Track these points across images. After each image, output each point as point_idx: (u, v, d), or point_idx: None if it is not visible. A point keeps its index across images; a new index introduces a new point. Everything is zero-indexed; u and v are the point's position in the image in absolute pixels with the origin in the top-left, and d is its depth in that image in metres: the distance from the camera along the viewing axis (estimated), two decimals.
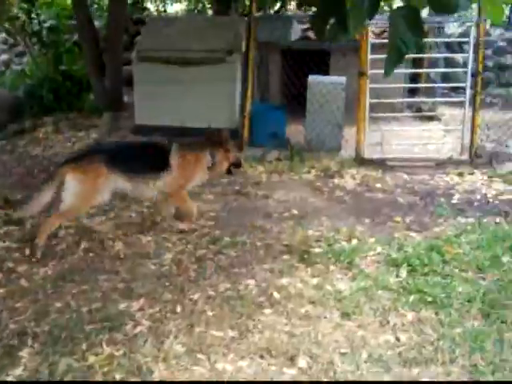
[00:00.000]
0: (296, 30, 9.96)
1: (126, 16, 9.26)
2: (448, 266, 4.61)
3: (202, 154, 5.40)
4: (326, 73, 9.13)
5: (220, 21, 8.38)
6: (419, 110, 9.91)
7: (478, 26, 7.21)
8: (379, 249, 4.95)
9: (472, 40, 7.26)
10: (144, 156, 5.29)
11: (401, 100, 8.58)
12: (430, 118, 9.58)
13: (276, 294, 4.22)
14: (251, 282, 4.46)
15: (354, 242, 5.12)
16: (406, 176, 7.11)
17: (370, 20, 3.12)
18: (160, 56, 8.11)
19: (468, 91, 7.41)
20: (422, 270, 4.54)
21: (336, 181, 6.94)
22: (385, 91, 8.25)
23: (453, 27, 10.47)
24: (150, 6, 14.59)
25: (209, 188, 6.63)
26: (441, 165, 7.40)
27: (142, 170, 5.17)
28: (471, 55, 7.31)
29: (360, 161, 7.46)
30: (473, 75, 7.37)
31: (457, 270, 4.56)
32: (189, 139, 5.65)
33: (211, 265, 4.78)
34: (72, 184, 4.85)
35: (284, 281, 4.44)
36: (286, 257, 4.86)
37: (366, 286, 4.33)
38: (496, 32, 11.62)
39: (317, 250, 4.95)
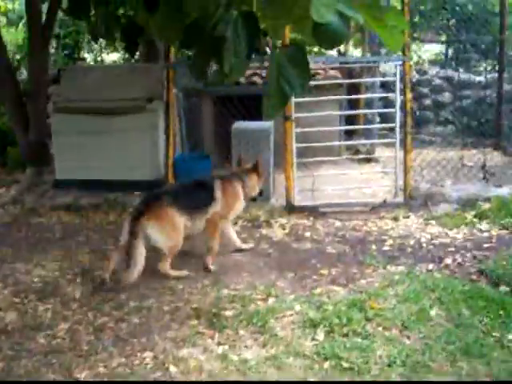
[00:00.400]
0: None
1: (46, 67, 8.79)
2: (370, 324, 4.19)
3: (240, 184, 5.84)
4: (258, 118, 8.75)
5: (140, 68, 8.00)
6: (357, 152, 9.62)
7: (403, 64, 6.94)
8: (297, 307, 4.50)
9: (399, 79, 6.98)
10: (196, 193, 5.59)
11: (331, 144, 8.21)
12: (368, 160, 9.27)
13: (173, 368, 3.74)
14: (149, 354, 3.96)
15: (271, 300, 4.67)
16: (338, 223, 6.72)
17: (249, 60, 2.76)
18: (77, 106, 7.67)
19: (398, 132, 7.10)
20: (341, 330, 4.10)
21: (264, 231, 6.50)
22: (320, 134, 7.94)
23: (388, 67, 10.27)
24: (88, 56, 14.19)
25: None
26: (376, 209, 7.03)
27: (198, 206, 5.50)
28: (398, 95, 7.03)
29: (290, 208, 7.05)
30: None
31: (380, 329, 4.14)
32: (229, 170, 6.30)
33: (110, 335, 4.29)
34: (158, 230, 5.14)
35: (185, 351, 3.95)
36: (193, 322, 4.38)
37: (276, 353, 3.86)
38: (433, 70, 11.53)
39: (228, 312, 4.48)
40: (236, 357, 3.83)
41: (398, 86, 7.01)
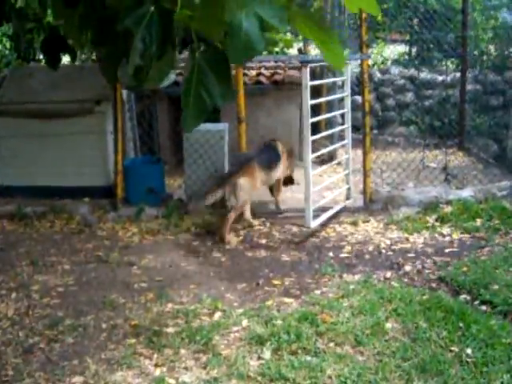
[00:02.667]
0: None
1: None
2: (321, 340, 3.90)
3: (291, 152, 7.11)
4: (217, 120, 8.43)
5: (89, 68, 7.59)
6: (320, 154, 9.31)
7: (362, 63, 6.68)
8: (245, 322, 4.20)
9: (349, 79, 6.72)
10: (268, 154, 6.63)
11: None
12: (331, 163, 8.97)
13: None
14: (79, 379, 3.63)
15: (218, 315, 4.35)
16: (295, 229, 6.42)
17: (158, 60, 2.41)
18: (21, 109, 7.25)
19: (349, 133, 6.83)
20: (289, 347, 3.80)
21: (217, 238, 6.17)
22: (277, 137, 7.66)
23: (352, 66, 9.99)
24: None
25: (68, 256, 5.79)
26: (335, 213, 6.74)
27: (270, 164, 6.54)
28: (349, 95, 6.76)
29: None
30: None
31: (331, 345, 3.85)
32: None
33: (39, 357, 3.92)
34: (243, 185, 6.13)
35: (119, 375, 3.62)
36: (131, 341, 4.04)
37: (218, 375, 3.56)
38: (396, 70, 11.32)
39: (170, 329, 4.15)
40: (173, 380, 3.51)
41: (349, 84, 6.74)
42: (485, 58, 10.93)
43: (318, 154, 6.71)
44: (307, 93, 5.92)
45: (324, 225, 6.48)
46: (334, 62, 2.39)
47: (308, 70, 5.91)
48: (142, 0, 2.39)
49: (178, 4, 2.39)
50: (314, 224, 6.15)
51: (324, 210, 6.77)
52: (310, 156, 6.09)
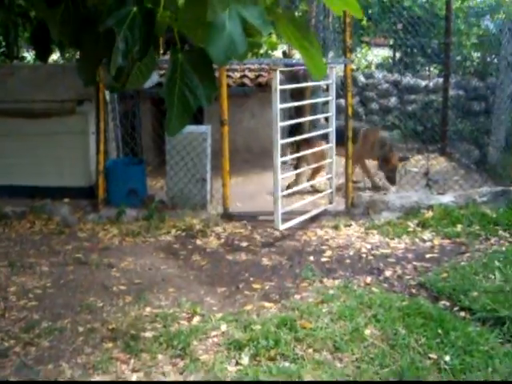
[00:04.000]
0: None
1: None
2: (300, 346, 3.88)
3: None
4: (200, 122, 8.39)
5: (71, 68, 7.51)
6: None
7: (345, 67, 6.69)
8: (224, 327, 4.17)
9: (334, 83, 6.71)
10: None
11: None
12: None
13: None
14: None
15: (196, 320, 4.32)
16: (276, 232, 6.40)
17: (140, 61, 2.37)
18: (2, 108, 7.17)
19: (334, 137, 6.83)
20: (268, 353, 3.78)
21: (198, 241, 6.14)
22: (262, 139, 7.66)
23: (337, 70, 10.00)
24: (28, 55, 13.50)
25: (47, 257, 5.74)
26: (317, 217, 6.74)
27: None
28: (334, 98, 6.76)
29: (227, 217, 6.71)
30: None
31: (310, 351, 3.83)
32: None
33: (15, 361, 3.87)
34: None
35: (94, 380, 3.55)
36: (108, 345, 3.99)
37: (195, 380, 3.51)
38: (380, 74, 11.36)
39: (148, 333, 4.11)
40: None
41: (334, 89, 6.73)
42: (467, 63, 11.00)
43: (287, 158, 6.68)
44: (277, 96, 5.91)
45: (306, 228, 6.46)
46: (315, 69, 2.37)
47: (278, 73, 5.89)
48: (125, 0, 2.36)
49: (160, 5, 2.36)
50: (284, 227, 6.13)
51: (303, 213, 6.78)
52: (279, 159, 6.05)
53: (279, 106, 5.94)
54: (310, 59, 2.33)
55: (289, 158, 7.11)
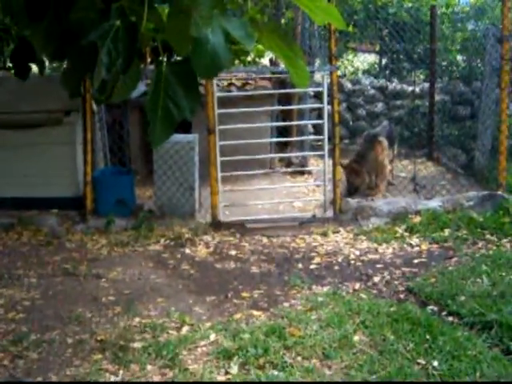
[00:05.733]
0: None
1: None
2: (289, 354, 3.88)
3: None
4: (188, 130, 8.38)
5: (57, 78, 7.49)
6: (290, 164, 9.37)
7: (331, 74, 6.72)
8: (213, 336, 4.16)
9: (326, 89, 6.75)
10: None
11: (260, 156, 7.88)
12: (302, 173, 9.03)
13: None
14: None
15: (185, 329, 4.31)
16: (265, 240, 6.41)
17: (123, 74, 2.37)
18: None
19: (326, 143, 6.87)
20: (257, 361, 3.78)
21: (187, 250, 6.14)
22: (250, 146, 7.66)
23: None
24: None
25: (35, 268, 5.72)
26: (305, 224, 6.76)
27: None
28: (326, 105, 6.79)
29: (216, 225, 6.72)
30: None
31: (299, 358, 3.83)
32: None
33: (3, 375, 3.84)
34: None
35: None
36: (97, 356, 3.98)
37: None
38: (366, 80, 11.41)
39: (137, 344, 4.10)
40: None
41: (326, 96, 6.77)
42: (453, 68, 11.08)
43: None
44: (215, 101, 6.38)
45: (294, 235, 6.48)
46: (298, 79, 2.39)
47: (214, 82, 6.41)
48: (108, 14, 2.37)
49: (144, 17, 2.37)
50: None
51: (294, 220, 6.81)
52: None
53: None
54: (294, 68, 2.35)
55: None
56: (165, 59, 2.29)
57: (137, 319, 4.52)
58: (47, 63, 6.95)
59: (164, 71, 2.25)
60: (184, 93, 2.25)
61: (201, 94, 2.31)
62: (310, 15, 2.25)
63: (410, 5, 11.35)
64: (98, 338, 4.21)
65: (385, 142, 7.70)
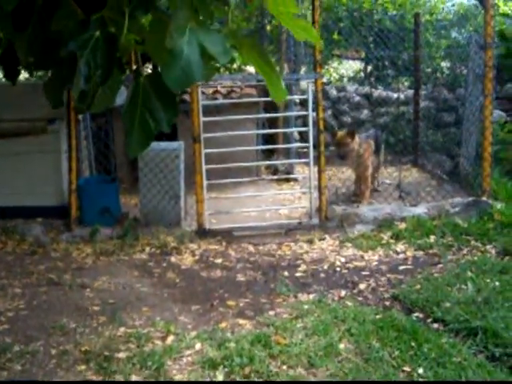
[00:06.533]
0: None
1: None
2: (275, 362, 3.88)
3: None
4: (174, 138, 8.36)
5: (41, 86, 7.45)
6: (276, 171, 9.38)
7: (315, 81, 6.74)
8: (198, 346, 4.15)
9: (311, 97, 6.76)
10: None
11: (246, 164, 7.88)
12: (288, 180, 9.04)
13: None
14: None
15: (171, 339, 4.29)
16: (251, 247, 6.41)
17: (102, 85, 2.36)
18: None
19: (311, 150, 6.88)
20: (242, 371, 3.77)
21: (172, 259, 6.12)
22: (236, 154, 7.67)
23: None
24: None
25: (20, 278, 5.67)
26: (291, 231, 6.76)
27: None
28: (311, 113, 6.80)
29: (202, 233, 6.70)
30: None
31: (284, 367, 3.83)
32: None
33: None
34: None
35: None
36: (81, 367, 3.95)
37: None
38: (352, 87, 11.44)
39: (122, 354, 4.07)
40: None
41: (311, 103, 6.78)
42: (438, 75, 11.15)
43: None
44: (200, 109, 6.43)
45: (280, 243, 6.48)
46: (276, 94, 2.39)
47: (199, 90, 6.51)
48: (88, 24, 2.36)
49: (124, 28, 2.36)
50: None
51: (280, 227, 6.81)
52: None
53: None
54: (272, 84, 2.36)
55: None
56: (148, 69, 2.29)
57: (122, 329, 4.49)
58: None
59: (141, 82, 2.24)
60: (161, 105, 2.24)
61: (178, 107, 2.29)
62: (292, 32, 2.28)
63: (394, 12, 11.41)
64: (83, 349, 4.18)
65: (371, 143, 7.72)
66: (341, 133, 7.68)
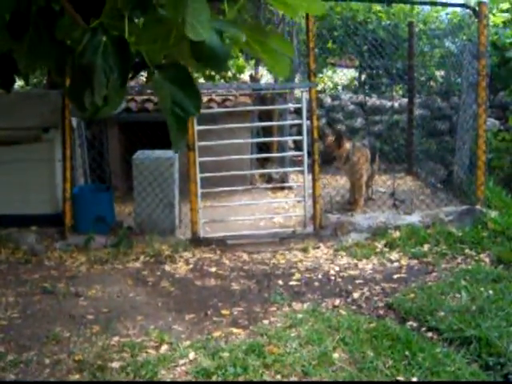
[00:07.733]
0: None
1: None
2: (268, 372, 3.88)
3: None
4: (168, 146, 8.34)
5: (36, 95, 7.49)
6: (270, 180, 9.39)
7: (309, 90, 6.76)
8: (192, 355, 4.14)
9: (305, 106, 6.78)
10: None
11: (240, 172, 7.88)
12: (282, 189, 9.05)
13: None
14: None
15: (164, 348, 4.28)
16: (245, 256, 6.41)
17: (122, 86, 2.38)
18: None
19: (305, 159, 6.89)
20: (235, 380, 3.75)
21: (167, 267, 6.11)
22: (230, 162, 7.68)
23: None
24: None
25: (13, 287, 5.65)
26: (285, 240, 6.76)
27: None
28: (305, 121, 6.82)
29: (196, 242, 6.70)
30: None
31: (278, 377, 3.83)
32: None
33: None
34: None
35: None
36: (74, 377, 3.94)
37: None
38: (346, 96, 11.48)
39: (115, 363, 4.06)
40: None
41: (305, 112, 6.80)
42: (432, 84, 11.19)
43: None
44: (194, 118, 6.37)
45: (274, 251, 6.48)
46: (279, 70, 2.45)
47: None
48: (91, 31, 2.38)
49: (125, 32, 2.39)
50: None
51: (274, 236, 6.81)
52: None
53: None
54: (274, 61, 2.42)
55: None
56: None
57: (115, 338, 4.48)
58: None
59: (157, 79, 2.30)
60: (183, 93, 2.31)
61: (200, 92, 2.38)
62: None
63: (388, 22, 11.46)
64: (76, 358, 4.16)
65: (366, 152, 7.74)
66: (330, 138, 7.71)
